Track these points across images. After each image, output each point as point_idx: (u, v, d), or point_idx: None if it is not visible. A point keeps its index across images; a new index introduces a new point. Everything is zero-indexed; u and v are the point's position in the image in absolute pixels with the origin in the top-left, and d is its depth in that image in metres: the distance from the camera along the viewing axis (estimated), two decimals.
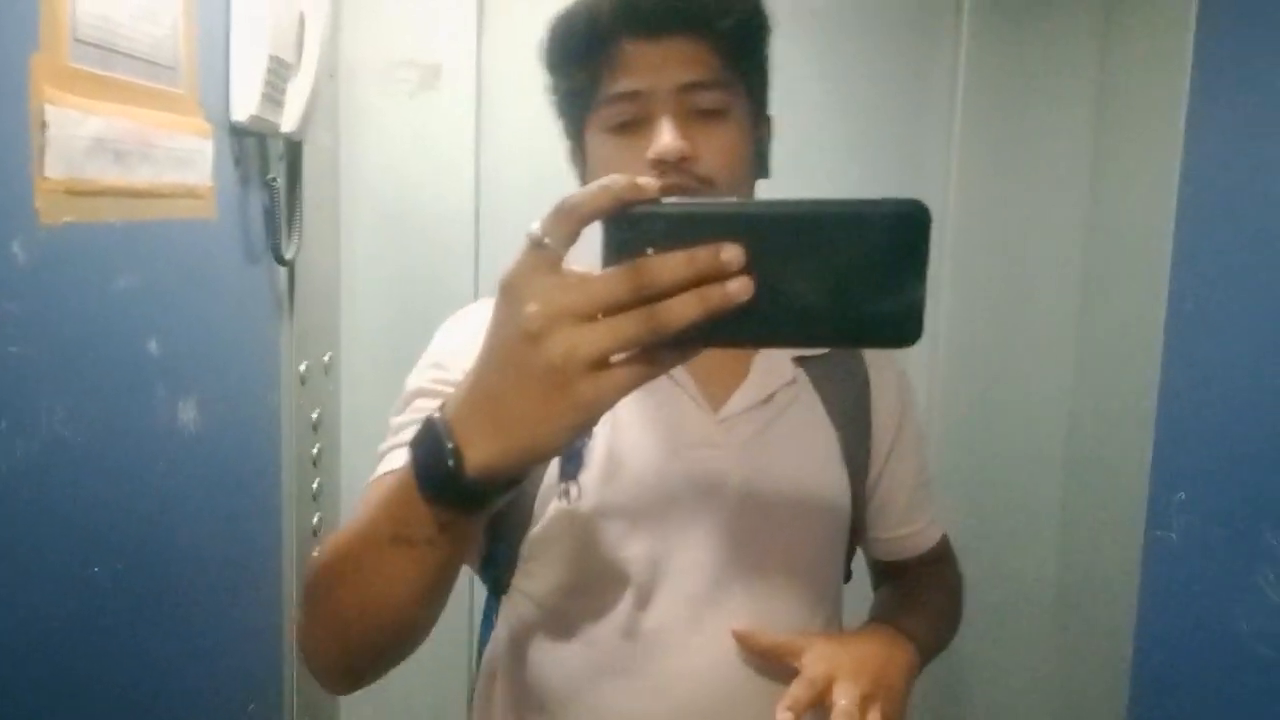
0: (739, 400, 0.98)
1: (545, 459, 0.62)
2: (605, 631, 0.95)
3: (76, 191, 0.97)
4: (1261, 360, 1.41)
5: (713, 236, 0.54)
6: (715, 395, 0.98)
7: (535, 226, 0.56)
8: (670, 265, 0.53)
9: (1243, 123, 1.49)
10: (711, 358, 0.95)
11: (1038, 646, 2.06)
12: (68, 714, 0.99)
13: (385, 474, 0.88)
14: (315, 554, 0.77)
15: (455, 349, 0.96)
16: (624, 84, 0.90)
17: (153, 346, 1.14)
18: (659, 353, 0.56)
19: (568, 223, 0.56)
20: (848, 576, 1.13)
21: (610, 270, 0.55)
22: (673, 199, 0.57)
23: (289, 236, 1.52)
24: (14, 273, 0.88)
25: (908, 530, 1.11)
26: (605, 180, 0.55)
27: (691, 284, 0.53)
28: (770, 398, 0.99)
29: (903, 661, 0.95)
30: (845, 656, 0.90)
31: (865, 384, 1.07)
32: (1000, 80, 1.91)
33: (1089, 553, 1.93)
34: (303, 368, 1.65)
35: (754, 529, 0.96)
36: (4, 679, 0.89)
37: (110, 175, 1.04)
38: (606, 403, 0.56)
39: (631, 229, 0.55)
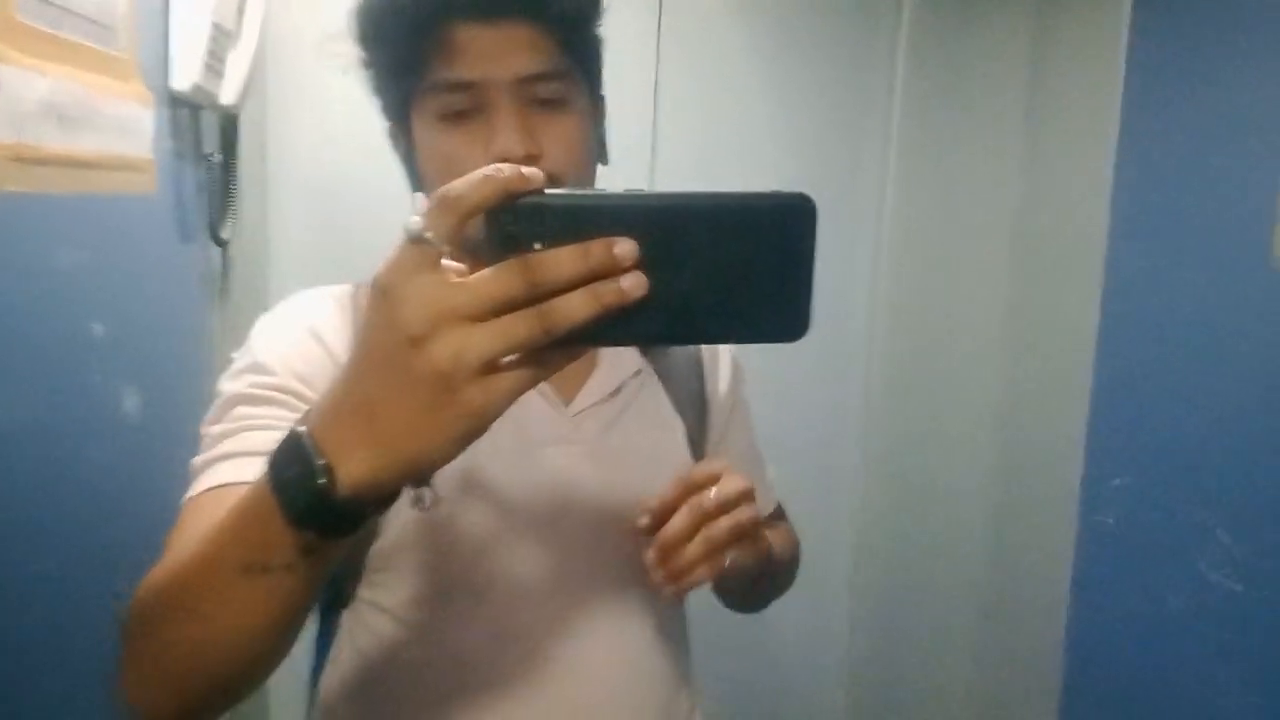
0: (588, 394, 0.95)
1: (427, 473, 0.56)
2: (473, 639, 0.89)
3: (23, 158, 0.90)
4: (1198, 344, 1.47)
5: (602, 230, 0.52)
6: (563, 389, 0.94)
7: (414, 220, 0.52)
8: (562, 261, 0.51)
9: (1176, 117, 1.54)
10: None
11: (970, 628, 2.11)
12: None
13: (210, 489, 0.77)
14: (140, 586, 0.67)
15: (280, 348, 0.86)
16: (457, 72, 0.83)
17: (96, 329, 1.06)
18: (548, 353, 0.53)
19: (451, 215, 0.51)
20: None
21: (498, 267, 0.51)
22: (558, 190, 0.54)
23: (225, 216, 1.44)
24: None
25: None
26: (489, 169, 0.52)
27: (584, 280, 0.51)
28: (618, 390, 0.96)
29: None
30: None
31: (699, 368, 1.06)
32: (937, 77, 1.94)
33: (1021, 536, 1.98)
34: (234, 354, 1.56)
35: (611, 524, 0.92)
36: None
37: (55, 142, 0.96)
38: (496, 410, 0.52)
39: (517, 222, 0.52)
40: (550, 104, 0.85)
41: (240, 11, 1.37)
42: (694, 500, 0.79)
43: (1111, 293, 1.65)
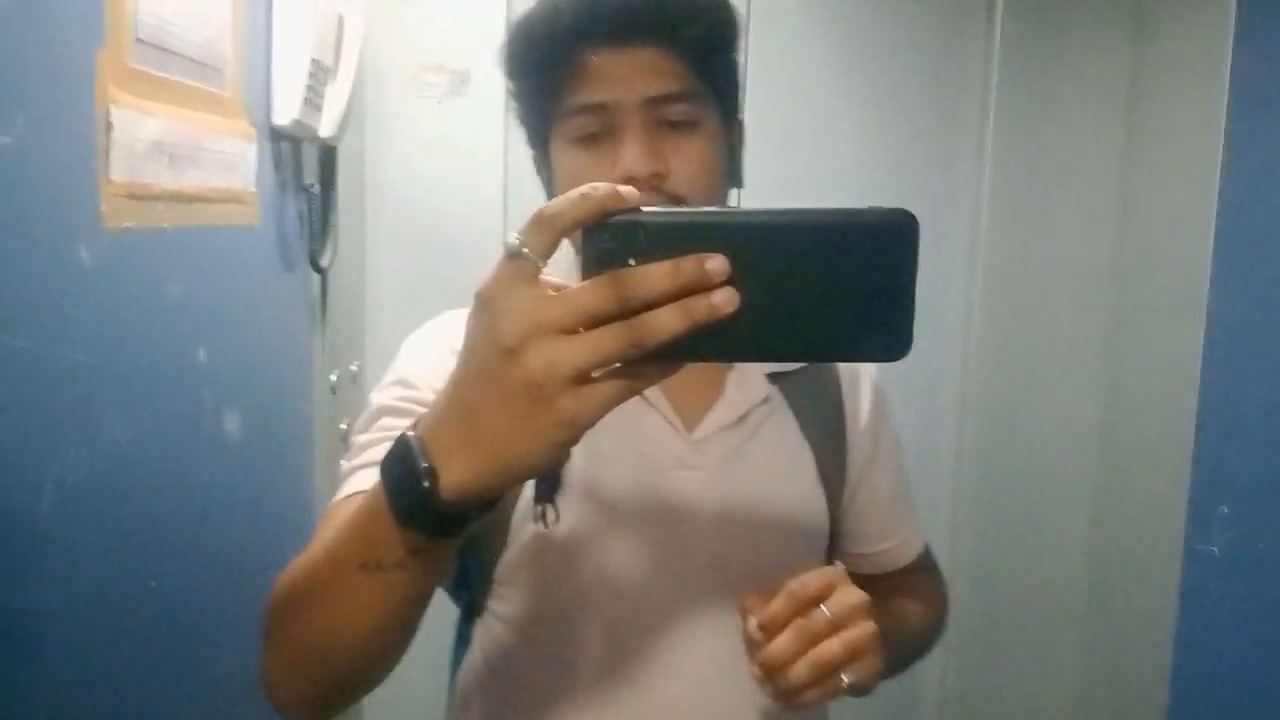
0: (713, 420, 0.95)
1: (525, 479, 0.59)
2: (581, 659, 0.91)
3: (137, 195, 0.94)
4: None
5: (697, 246, 0.52)
6: (688, 415, 0.94)
7: (513, 237, 0.54)
8: (653, 276, 0.51)
9: None
10: (684, 374, 0.91)
11: (1071, 662, 2.05)
12: (112, 717, 0.96)
13: (351, 495, 0.83)
14: (278, 579, 0.72)
15: (423, 365, 0.92)
16: (587, 95, 0.86)
17: (201, 355, 1.11)
18: (642, 367, 0.53)
19: (547, 232, 0.53)
20: None
21: (591, 281, 0.52)
22: (655, 208, 0.54)
23: (324, 244, 1.49)
24: (80, 277, 0.85)
25: (887, 545, 1.07)
26: (585, 188, 0.53)
27: (675, 296, 0.51)
28: (744, 417, 0.96)
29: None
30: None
31: (839, 398, 1.03)
32: (1032, 87, 1.91)
33: (1123, 567, 1.92)
34: (333, 378, 1.62)
35: (731, 553, 0.93)
36: (61, 682, 0.86)
37: (165, 179, 1.01)
38: (588, 419, 0.53)
39: (613, 239, 0.53)
40: (680, 126, 0.87)
41: (338, 48, 1.42)
42: (802, 623, 0.78)
43: (1216, 316, 1.59)
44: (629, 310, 0.51)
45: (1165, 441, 1.74)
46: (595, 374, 0.53)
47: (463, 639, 1.02)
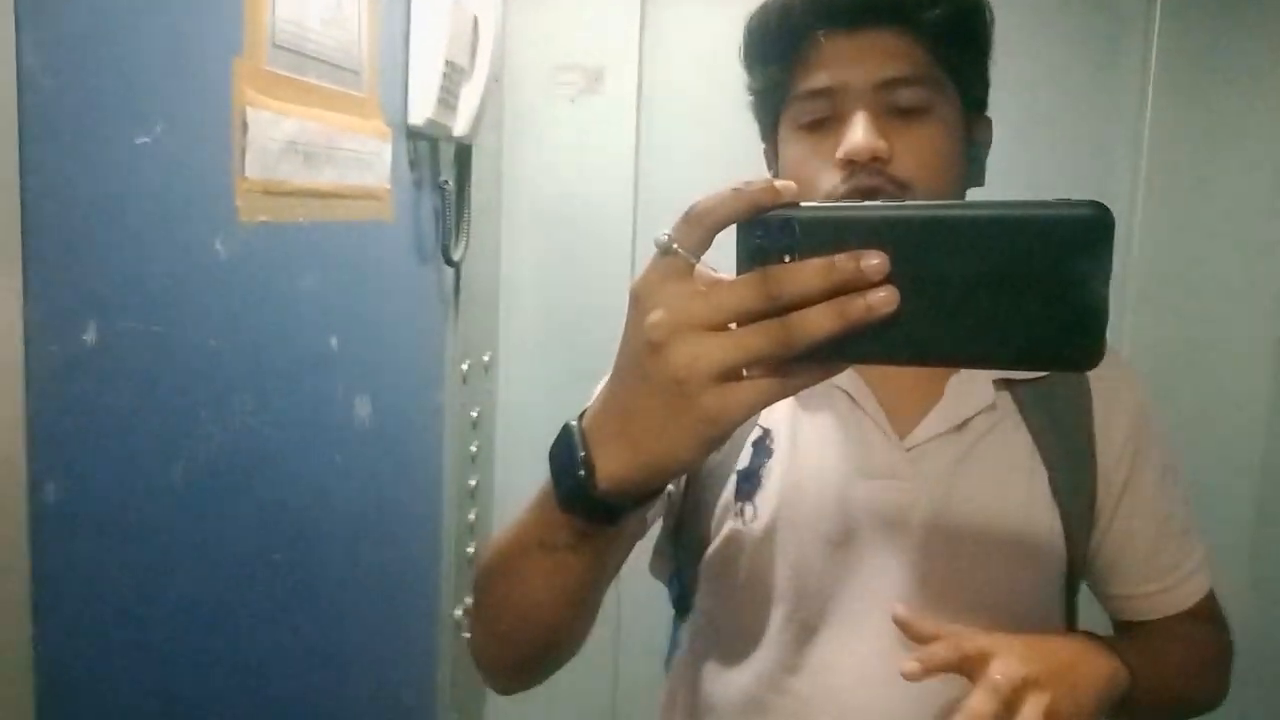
0: (928, 427, 0.89)
1: (674, 474, 0.59)
2: (769, 662, 0.89)
3: (271, 192, 1.00)
4: None
5: (856, 243, 0.49)
6: (902, 419, 0.89)
7: (664, 233, 0.54)
8: (806, 273, 0.49)
9: None
10: (900, 375, 0.87)
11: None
12: (242, 689, 1.02)
13: None
14: (480, 552, 0.76)
15: None
16: (816, 80, 0.85)
17: (333, 343, 1.17)
18: (794, 367, 0.52)
19: (698, 228, 0.53)
20: None
21: (741, 278, 0.51)
22: (813, 204, 0.52)
23: (457, 239, 1.55)
24: (216, 268, 0.91)
25: (1154, 587, 0.94)
26: (739, 183, 0.52)
27: (829, 294, 0.49)
28: (965, 424, 0.89)
29: (1099, 674, 0.79)
30: (1019, 641, 0.76)
31: (1087, 413, 0.93)
32: (1193, 76, 1.80)
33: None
34: (465, 367, 1.68)
35: (939, 571, 0.87)
36: (190, 657, 0.92)
37: (300, 176, 1.07)
38: (733, 419, 0.52)
39: (766, 235, 0.51)
40: (910, 113, 0.84)
41: (473, 50, 1.47)
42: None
43: None
44: (780, 308, 0.50)
45: None
46: (746, 373, 0.52)
47: (675, 642, 1.06)
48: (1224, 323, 1.87)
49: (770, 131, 0.93)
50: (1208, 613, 0.97)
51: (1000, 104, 1.88)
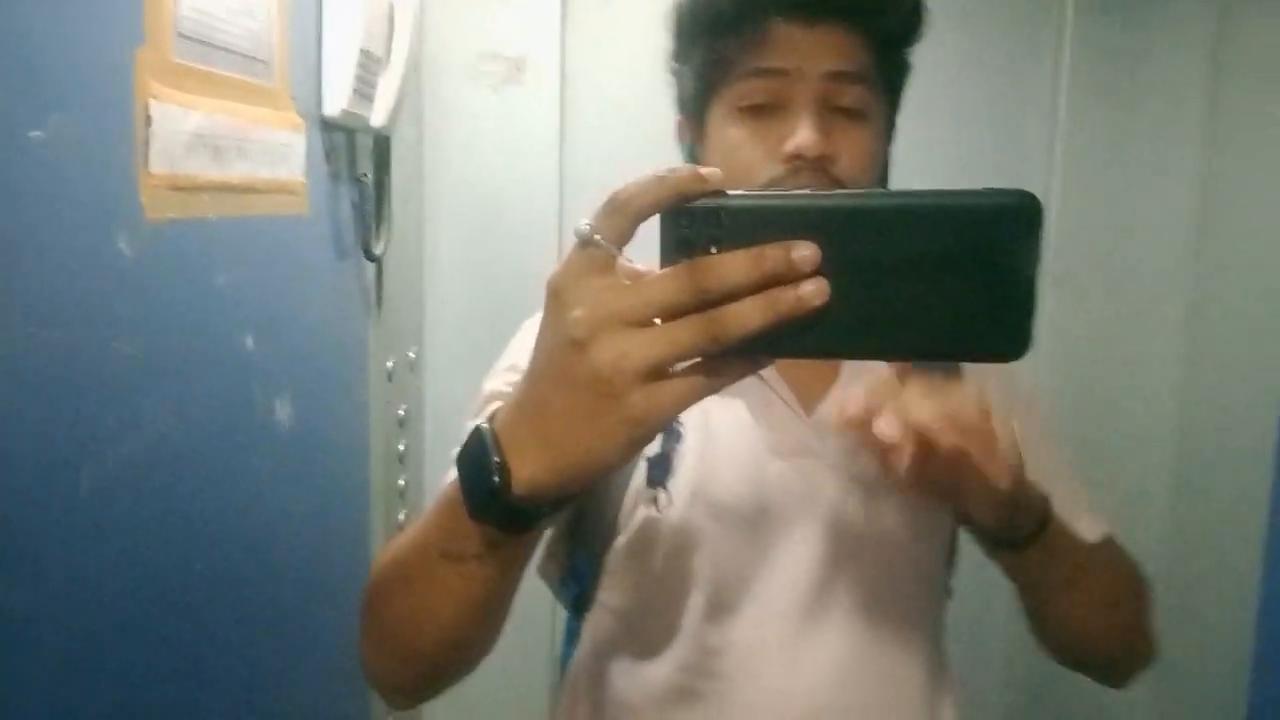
0: (832, 404, 0.91)
1: (596, 477, 0.56)
2: (688, 650, 0.89)
3: (179, 187, 0.96)
4: None
5: (784, 233, 0.48)
6: (806, 396, 0.91)
7: (584, 223, 0.51)
8: (734, 265, 0.48)
9: None
10: None
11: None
12: (163, 707, 0.98)
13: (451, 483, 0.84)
14: (375, 560, 0.73)
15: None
16: (770, 60, 0.84)
17: (250, 344, 1.13)
18: (722, 363, 0.50)
19: (621, 218, 0.50)
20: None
21: (666, 271, 0.49)
22: (738, 191, 0.50)
23: (378, 233, 1.51)
24: (122, 270, 0.87)
25: None
26: (663, 170, 0.50)
27: (759, 287, 0.48)
28: None
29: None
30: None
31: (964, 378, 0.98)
32: (1107, 66, 1.83)
33: (1203, 551, 1.85)
34: (389, 364, 1.64)
35: (851, 544, 0.89)
36: (106, 671, 0.88)
37: (209, 171, 1.03)
38: (660, 418, 0.50)
39: (693, 225, 0.49)
40: (850, 113, 0.85)
41: (389, 38, 1.43)
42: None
43: None
44: (707, 301, 0.48)
45: (1249, 426, 1.67)
46: (672, 369, 0.50)
47: (571, 637, 1.01)
48: (1137, 310, 1.92)
49: (697, 106, 0.91)
50: (1117, 549, 0.98)
51: (916, 95, 1.92)
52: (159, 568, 0.96)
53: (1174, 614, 1.92)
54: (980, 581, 1.04)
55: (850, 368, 0.92)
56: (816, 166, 0.82)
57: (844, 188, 0.82)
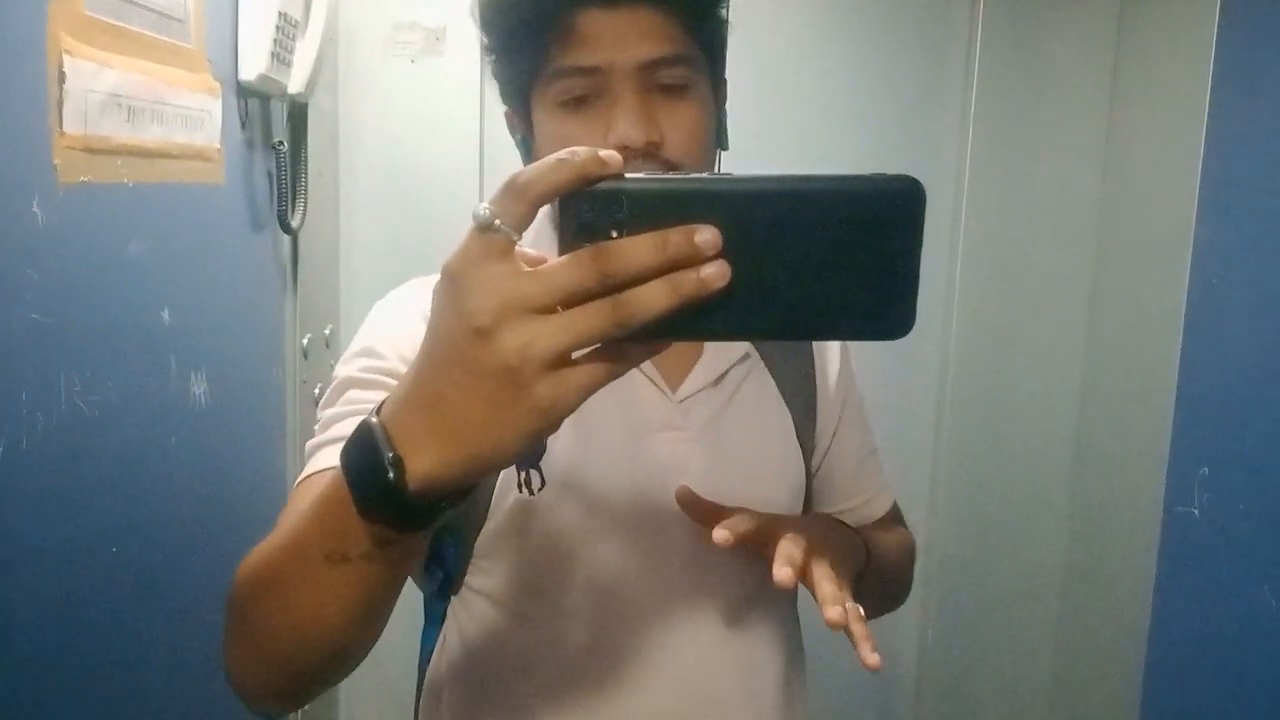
0: (695, 379, 0.92)
1: (499, 469, 0.54)
2: (570, 628, 0.88)
3: (93, 149, 0.91)
4: None
5: (685, 217, 0.48)
6: (671, 374, 0.91)
7: (483, 207, 0.49)
8: (638, 249, 0.47)
9: (1270, 99, 1.47)
10: None
11: (1049, 624, 2.06)
12: (75, 689, 0.94)
13: (315, 474, 0.78)
14: (240, 564, 0.67)
15: (392, 334, 0.86)
16: (578, 57, 0.81)
17: (165, 316, 1.08)
18: (625, 348, 0.49)
19: (521, 202, 0.48)
20: None
21: (569, 256, 0.48)
22: (639, 174, 0.50)
23: (294, 204, 1.46)
24: (34, 235, 0.82)
25: (857, 500, 1.06)
26: (564, 153, 0.48)
27: (662, 270, 0.47)
28: (723, 376, 0.93)
29: (854, 543, 0.92)
30: (794, 519, 0.88)
31: (809, 357, 1.02)
32: (1015, 59, 1.89)
33: (1102, 528, 1.92)
34: (305, 341, 1.59)
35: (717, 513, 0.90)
36: (18, 652, 0.84)
37: (123, 134, 0.98)
38: (566, 406, 0.49)
39: (593, 209, 0.48)
40: (672, 90, 0.83)
41: (307, 3, 1.38)
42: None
43: (1198, 277, 1.58)
44: (611, 286, 0.47)
45: (1146, 403, 1.74)
46: (574, 355, 0.49)
47: (433, 620, 0.97)
48: (1042, 298, 1.98)
49: (518, 100, 0.89)
50: (895, 517, 1.10)
51: (830, 86, 1.94)
52: (78, 551, 0.92)
53: (1077, 567, 2.01)
54: None
55: (711, 347, 0.94)
56: (645, 153, 0.81)
57: (675, 167, 0.82)
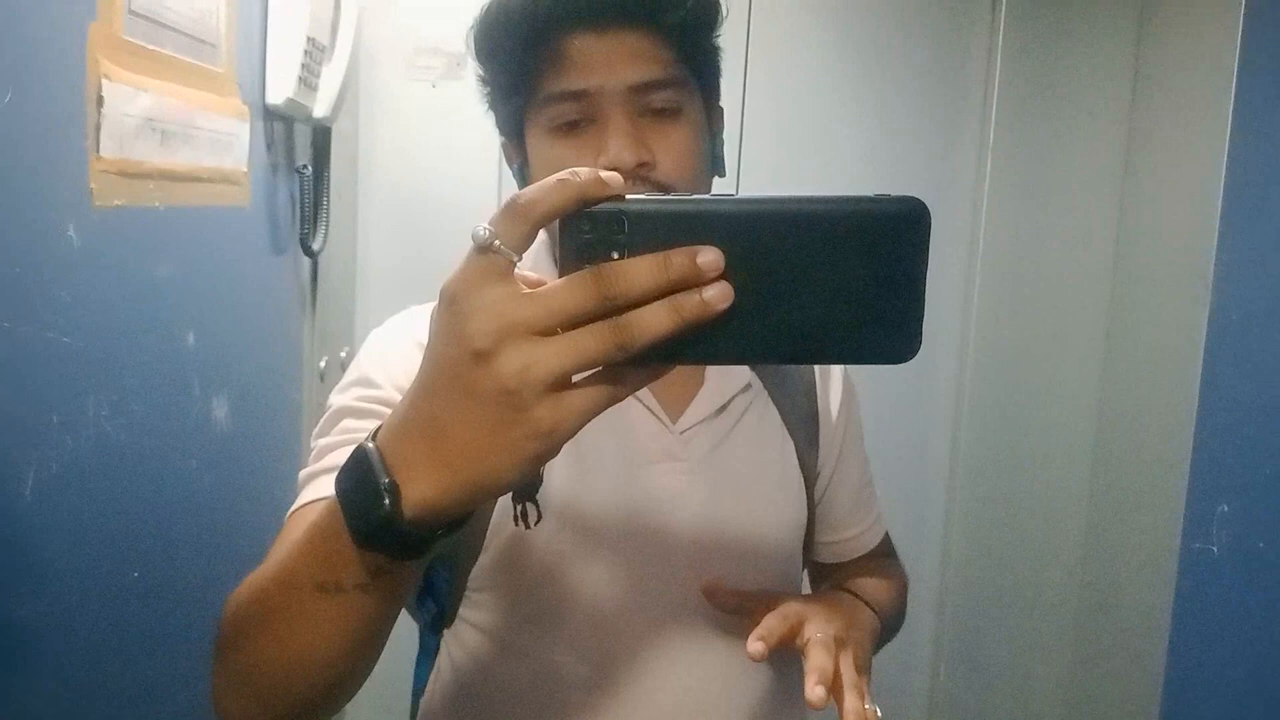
0: (696, 410, 0.91)
1: (497, 495, 0.52)
2: (567, 662, 0.87)
3: (127, 173, 0.91)
4: None
5: (686, 238, 0.47)
6: (671, 404, 0.90)
7: (482, 227, 0.48)
8: (639, 271, 0.46)
9: None
10: None
11: (1064, 659, 2.05)
12: (100, 713, 0.93)
13: (307, 504, 0.76)
14: (231, 596, 0.65)
15: (387, 362, 0.84)
16: (569, 82, 0.81)
17: (191, 339, 1.08)
18: (626, 371, 0.49)
19: (521, 223, 0.48)
20: None
21: (570, 278, 0.47)
22: (640, 195, 0.49)
23: (316, 228, 1.46)
24: (68, 258, 0.82)
25: (853, 532, 1.05)
26: (564, 173, 0.48)
27: (663, 292, 0.46)
28: (726, 406, 0.92)
29: (868, 621, 0.91)
30: (816, 604, 0.85)
31: (812, 386, 1.01)
32: (1034, 82, 1.89)
33: (1119, 564, 1.91)
34: (322, 364, 1.59)
35: (717, 548, 0.89)
36: (46, 674, 0.83)
37: (156, 157, 0.98)
38: (567, 431, 0.48)
39: (593, 230, 0.48)
40: (663, 113, 0.82)
41: (334, 28, 1.38)
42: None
43: (1219, 311, 1.57)
44: (612, 309, 0.46)
45: (1164, 438, 1.73)
46: (575, 379, 0.48)
47: (427, 651, 0.96)
48: (1060, 313, 1.97)
49: (513, 129, 0.88)
50: (889, 550, 1.10)
51: (847, 115, 1.94)
52: (103, 574, 0.91)
53: (1091, 605, 1.99)
54: None
55: (713, 377, 0.93)
56: (636, 175, 0.80)
57: (666, 190, 0.81)
